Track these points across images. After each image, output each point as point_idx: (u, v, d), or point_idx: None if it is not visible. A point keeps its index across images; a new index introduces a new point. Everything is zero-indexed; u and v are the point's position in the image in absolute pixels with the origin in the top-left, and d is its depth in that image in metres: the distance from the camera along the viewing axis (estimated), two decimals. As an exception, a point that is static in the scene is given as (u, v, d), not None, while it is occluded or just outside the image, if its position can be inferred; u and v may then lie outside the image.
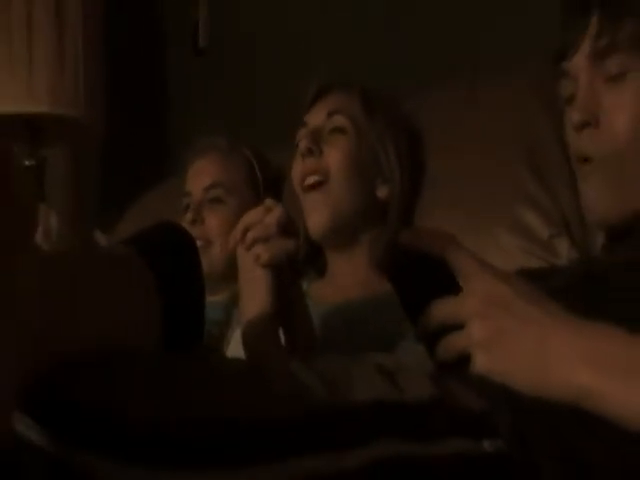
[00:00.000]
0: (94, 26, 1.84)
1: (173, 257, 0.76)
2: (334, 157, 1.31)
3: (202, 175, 1.60)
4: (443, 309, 0.77)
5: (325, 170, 1.31)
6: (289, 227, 1.05)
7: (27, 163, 1.82)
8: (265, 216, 1.05)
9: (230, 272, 1.49)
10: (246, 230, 1.06)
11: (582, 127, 0.99)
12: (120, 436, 0.56)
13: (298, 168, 1.34)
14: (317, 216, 1.29)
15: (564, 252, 1.30)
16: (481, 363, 0.75)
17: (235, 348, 1.23)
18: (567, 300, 0.79)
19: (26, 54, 1.76)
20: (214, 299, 1.46)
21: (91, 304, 0.63)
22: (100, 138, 1.96)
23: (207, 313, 1.48)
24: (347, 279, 1.34)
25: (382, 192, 1.33)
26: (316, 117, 1.35)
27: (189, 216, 1.57)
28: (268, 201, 1.07)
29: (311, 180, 1.32)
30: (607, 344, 0.72)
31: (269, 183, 1.60)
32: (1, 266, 0.51)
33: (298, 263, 1.09)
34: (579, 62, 1.01)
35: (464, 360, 0.75)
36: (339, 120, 1.33)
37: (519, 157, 1.36)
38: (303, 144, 1.32)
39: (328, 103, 1.37)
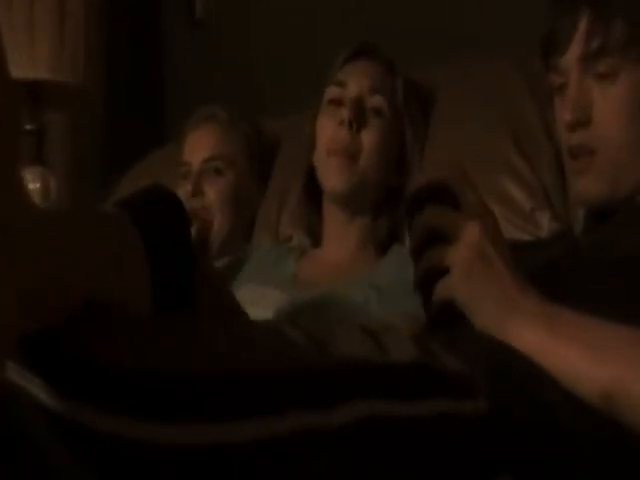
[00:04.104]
0: (94, -6, 1.82)
1: (161, 219, 0.75)
2: (370, 139, 1.31)
3: (201, 147, 1.57)
4: (436, 254, 0.81)
5: (358, 146, 1.31)
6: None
7: (28, 127, 1.82)
8: None
9: (228, 243, 1.51)
10: None
11: (574, 127, 0.98)
12: (117, 388, 0.56)
13: (330, 132, 1.32)
14: (339, 179, 1.30)
15: (545, 224, 1.31)
16: (455, 280, 0.79)
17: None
18: (544, 279, 0.82)
19: (27, 21, 1.73)
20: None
21: (79, 260, 0.62)
22: (99, 104, 1.96)
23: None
24: (339, 253, 1.35)
25: (394, 181, 1.35)
26: (357, 84, 1.33)
27: (188, 188, 1.54)
28: None
29: (342, 150, 1.31)
30: (562, 315, 0.77)
31: (264, 154, 1.59)
32: None
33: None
34: (570, 61, 0.98)
35: (452, 315, 0.80)
36: (380, 102, 1.32)
37: (504, 133, 1.37)
38: (346, 114, 1.30)
39: (371, 74, 1.35)
